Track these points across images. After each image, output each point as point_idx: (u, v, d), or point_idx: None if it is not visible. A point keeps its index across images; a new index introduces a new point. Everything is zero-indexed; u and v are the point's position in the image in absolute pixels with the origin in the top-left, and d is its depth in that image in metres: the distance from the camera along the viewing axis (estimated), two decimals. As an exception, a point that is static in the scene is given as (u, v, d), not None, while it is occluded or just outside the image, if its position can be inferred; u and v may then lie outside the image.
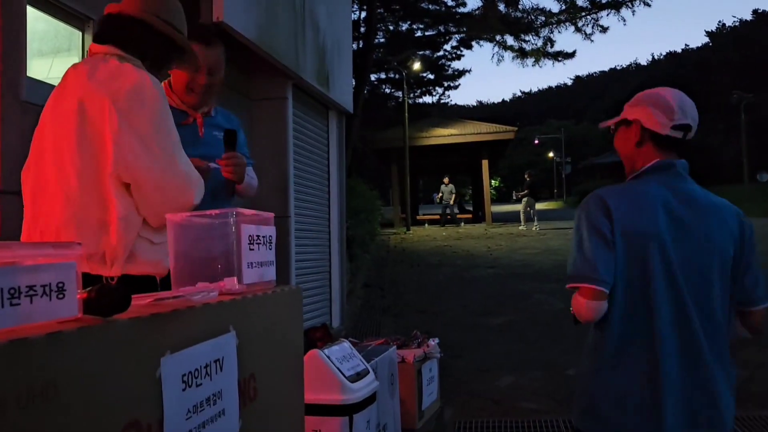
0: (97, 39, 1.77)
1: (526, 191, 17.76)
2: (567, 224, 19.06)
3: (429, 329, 6.57)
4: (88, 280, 0.88)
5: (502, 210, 30.52)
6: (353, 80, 8.18)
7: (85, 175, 1.65)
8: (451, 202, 21.05)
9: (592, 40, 19.64)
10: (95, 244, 1.67)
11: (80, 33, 3.25)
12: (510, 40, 19.08)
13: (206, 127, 2.39)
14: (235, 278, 1.30)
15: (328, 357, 1.88)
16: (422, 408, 2.89)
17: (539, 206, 19.00)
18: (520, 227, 17.55)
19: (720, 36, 58.86)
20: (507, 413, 4.12)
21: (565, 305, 7.43)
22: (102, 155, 1.64)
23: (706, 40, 61.64)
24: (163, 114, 1.69)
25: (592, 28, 18.87)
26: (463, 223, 20.82)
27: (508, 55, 19.73)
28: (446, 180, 21.48)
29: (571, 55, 20.60)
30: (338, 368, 1.87)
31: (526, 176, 18.46)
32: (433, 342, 3.12)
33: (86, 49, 3.26)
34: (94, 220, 1.66)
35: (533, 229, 17.15)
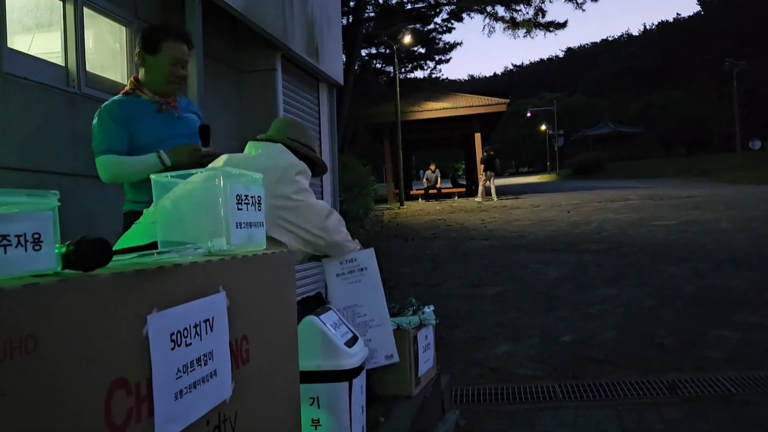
0: None
1: (482, 166, 18.39)
2: (562, 197, 19.08)
3: (425, 301, 6.58)
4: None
5: (498, 184, 30.52)
6: (344, 55, 8.06)
7: None
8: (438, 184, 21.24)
9: (584, 10, 19.49)
10: None
11: (61, 3, 3.17)
12: (501, 10, 18.88)
13: (179, 110, 2.71)
14: (224, 238, 1.27)
15: (324, 323, 1.86)
16: (419, 375, 2.88)
17: (533, 179, 19.07)
18: (476, 199, 18.76)
19: (712, 5, 58.48)
20: (504, 380, 4.13)
21: (559, 274, 7.43)
22: None
23: (698, 8, 61.30)
24: None
25: (584, -3, 18.66)
26: (456, 197, 20.80)
27: (499, 26, 19.55)
28: (432, 167, 21.49)
29: (562, 26, 20.42)
30: (333, 333, 1.85)
31: (484, 153, 18.77)
32: (429, 309, 3.11)
33: (68, 19, 3.18)
34: None
35: (494, 200, 18.28)
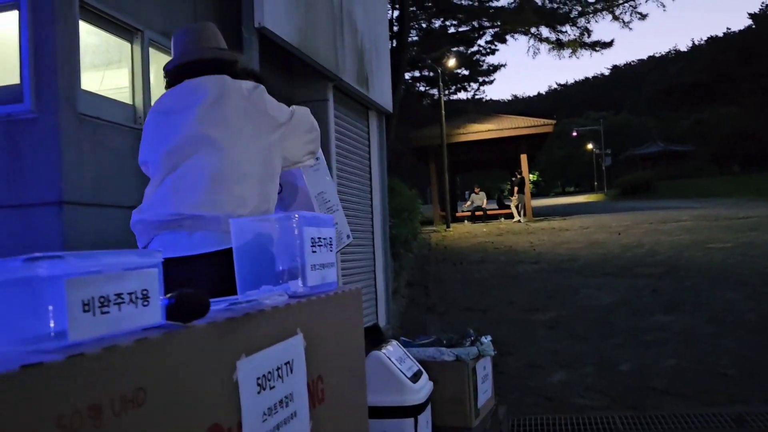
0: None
1: (516, 188, 19.77)
2: (611, 218, 18.70)
3: (476, 327, 6.53)
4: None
5: (542, 204, 30.13)
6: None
7: None
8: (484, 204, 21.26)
9: (630, 28, 19.23)
10: None
11: (129, 44, 3.33)
12: (546, 31, 18.80)
13: None
14: (300, 280, 1.31)
15: (389, 358, 1.88)
16: (478, 406, 2.86)
17: (580, 199, 18.84)
18: (515, 220, 19.68)
19: (764, 18, 56.88)
20: (561, 410, 4.06)
21: (613, 299, 7.27)
22: None
23: (749, 22, 59.66)
24: None
25: (631, 15, 18.46)
26: (503, 219, 20.61)
27: (544, 47, 19.44)
28: (477, 189, 21.40)
29: (608, 45, 20.19)
30: (399, 369, 1.86)
31: (516, 176, 20.08)
32: (486, 339, 3.10)
33: (135, 59, 3.34)
34: None
35: (522, 221, 19.09)
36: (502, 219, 20.80)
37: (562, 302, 7.20)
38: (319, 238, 1.39)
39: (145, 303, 0.84)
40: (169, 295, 0.91)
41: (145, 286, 0.85)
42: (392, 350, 1.98)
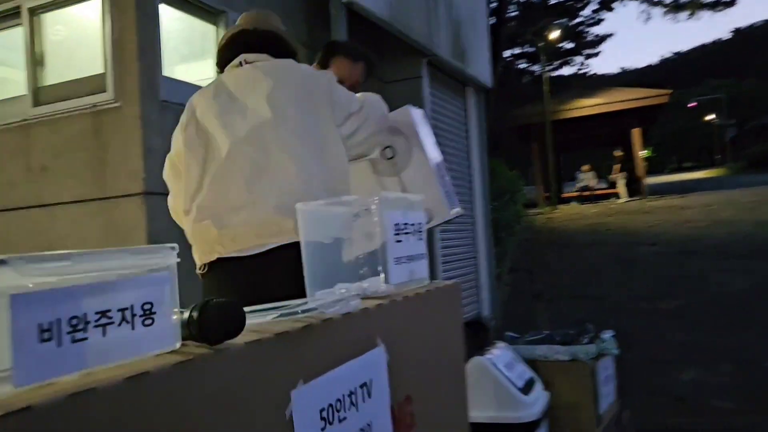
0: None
1: (619, 166, 18.84)
2: (738, 194, 17.10)
3: (588, 317, 6.03)
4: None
5: (657, 181, 28.20)
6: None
7: None
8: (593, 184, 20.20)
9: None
10: None
11: (213, 27, 3.20)
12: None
13: None
14: (381, 277, 1.05)
15: (495, 365, 1.58)
16: (599, 411, 2.49)
17: (699, 174, 17.54)
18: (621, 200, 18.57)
19: None
20: (696, 413, 3.56)
21: (748, 285, 6.49)
22: None
23: None
24: None
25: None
26: (615, 198, 19.44)
27: (657, 11, 17.98)
28: (585, 168, 20.29)
29: (731, 3, 18.37)
30: (508, 378, 1.56)
31: (616, 154, 19.15)
32: (608, 335, 2.71)
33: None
34: None
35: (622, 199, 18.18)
36: (613, 199, 19.61)
37: (687, 289, 6.52)
38: (405, 224, 1.12)
39: (148, 321, 0.60)
40: (191, 307, 0.67)
41: (148, 298, 0.61)
42: (499, 354, 1.68)
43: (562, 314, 6.28)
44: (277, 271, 1.52)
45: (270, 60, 1.77)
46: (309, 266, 1.09)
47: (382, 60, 4.86)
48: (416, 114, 2.09)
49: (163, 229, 2.65)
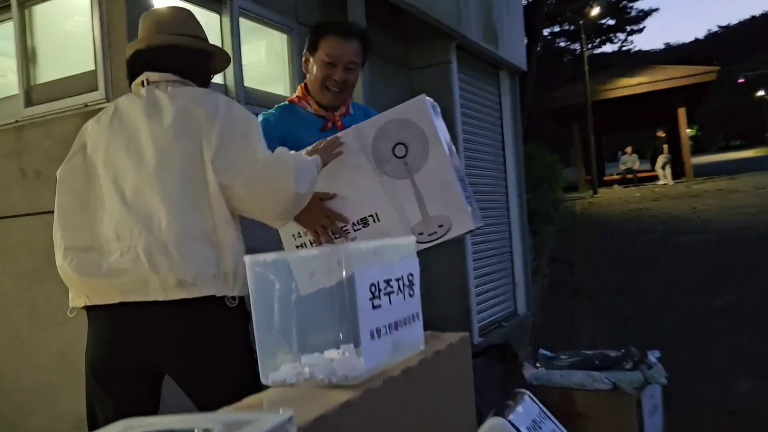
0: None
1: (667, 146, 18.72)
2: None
3: (631, 313, 5.64)
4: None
5: (703, 161, 27.12)
6: (525, 38, 7.31)
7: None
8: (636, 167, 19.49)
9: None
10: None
11: (217, 16, 2.95)
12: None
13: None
14: (352, 355, 0.79)
15: (516, 428, 1.30)
16: (646, 447, 2.20)
17: (749, 153, 16.76)
18: (666, 182, 18.16)
19: None
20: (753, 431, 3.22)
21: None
22: None
23: None
24: None
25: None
26: (657, 182, 18.68)
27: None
28: (629, 150, 19.59)
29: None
30: (534, 445, 1.29)
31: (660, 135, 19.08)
32: (653, 358, 2.39)
33: (225, 32, 2.97)
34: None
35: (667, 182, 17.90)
36: (657, 182, 18.87)
37: (740, 283, 6.07)
38: (387, 281, 0.85)
39: None
40: None
41: None
42: (522, 413, 1.40)
43: (603, 312, 5.92)
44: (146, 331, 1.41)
45: (172, 83, 1.59)
46: (259, 333, 0.84)
47: (407, 46, 4.55)
48: (431, 105, 1.81)
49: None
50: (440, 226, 1.70)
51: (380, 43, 4.13)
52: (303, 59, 2.07)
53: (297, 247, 1.81)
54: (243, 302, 1.49)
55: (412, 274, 0.92)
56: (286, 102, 2.10)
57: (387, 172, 1.73)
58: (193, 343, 1.41)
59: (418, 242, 1.69)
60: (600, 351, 2.43)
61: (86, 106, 2.52)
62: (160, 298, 1.39)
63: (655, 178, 19.42)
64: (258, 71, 3.29)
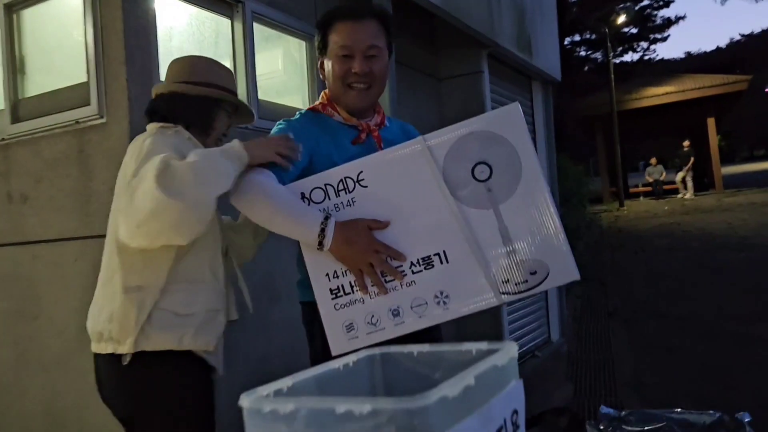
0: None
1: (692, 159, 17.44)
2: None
3: (675, 341, 5.21)
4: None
5: (730, 172, 26.40)
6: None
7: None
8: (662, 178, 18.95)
9: None
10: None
11: (228, 20, 2.64)
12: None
13: (384, 144, 1.65)
14: None
15: None
16: None
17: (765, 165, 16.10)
18: (687, 196, 17.45)
19: None
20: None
21: None
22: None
23: None
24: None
25: None
26: (686, 193, 18.11)
27: (734, -10, 16.52)
28: (654, 161, 19.06)
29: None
30: None
31: (686, 145, 17.85)
32: (744, 420, 2.00)
33: (237, 40, 2.64)
34: None
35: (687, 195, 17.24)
36: (677, 195, 18.28)
37: (792, 309, 5.63)
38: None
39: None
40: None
41: None
42: None
43: (644, 339, 5.50)
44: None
45: (160, 130, 1.57)
46: None
47: (436, 54, 4.22)
48: (521, 118, 1.42)
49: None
50: (533, 274, 1.33)
51: (408, 52, 3.80)
52: (318, 64, 1.70)
53: (331, 291, 1.40)
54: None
55: (516, 413, 0.57)
56: (308, 110, 1.71)
57: (463, 200, 1.36)
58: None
59: (502, 293, 1.34)
60: (678, 413, 2.04)
61: (77, 122, 2.21)
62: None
63: (676, 190, 18.91)
64: (273, 82, 2.96)
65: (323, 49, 1.64)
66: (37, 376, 2.35)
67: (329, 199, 1.43)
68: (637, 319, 6.10)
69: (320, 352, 1.46)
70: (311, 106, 1.73)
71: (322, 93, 1.72)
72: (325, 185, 1.44)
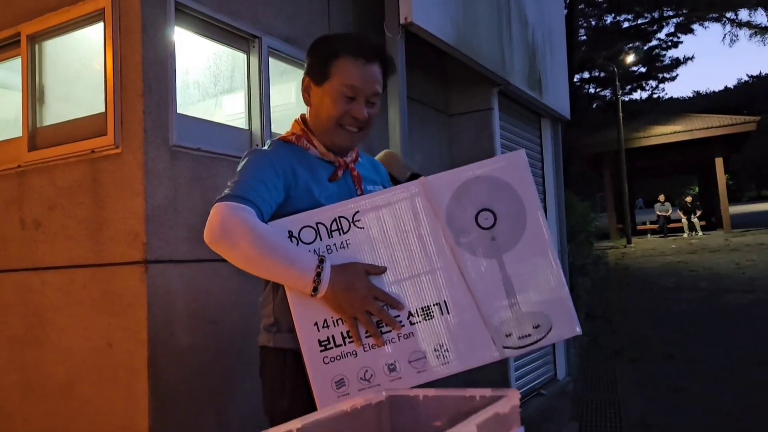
0: None
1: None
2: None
3: (684, 383, 5.14)
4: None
5: (737, 212, 26.32)
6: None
7: None
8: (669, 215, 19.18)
9: None
10: None
11: (244, 55, 2.68)
12: (746, 15, 16.18)
13: (365, 182, 1.61)
14: None
15: None
16: None
17: None
18: (693, 235, 18.04)
19: None
20: None
21: None
22: None
23: None
24: None
25: None
26: (698, 233, 18.03)
27: (743, 33, 16.74)
28: (662, 198, 19.17)
29: (827, 23, 16.88)
30: None
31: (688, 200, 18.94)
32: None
33: (252, 73, 2.69)
34: None
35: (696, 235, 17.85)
36: (692, 233, 18.23)
37: (803, 353, 5.55)
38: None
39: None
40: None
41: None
42: None
43: (651, 379, 5.43)
44: None
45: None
46: None
47: (446, 90, 4.27)
48: (526, 166, 1.41)
49: (166, 306, 2.12)
50: (536, 327, 1.30)
51: (419, 87, 3.85)
52: (303, 85, 1.59)
53: (320, 343, 1.29)
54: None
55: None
56: (279, 139, 1.60)
57: (465, 247, 1.33)
58: None
59: (504, 347, 1.30)
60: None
61: (93, 152, 2.24)
62: None
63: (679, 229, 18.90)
64: (286, 113, 3.00)
65: (319, 76, 1.53)
66: (41, 402, 2.34)
67: (321, 239, 1.34)
68: (644, 359, 6.03)
69: (287, 404, 1.38)
70: (281, 136, 1.63)
71: (294, 122, 1.64)
72: (317, 224, 1.35)
